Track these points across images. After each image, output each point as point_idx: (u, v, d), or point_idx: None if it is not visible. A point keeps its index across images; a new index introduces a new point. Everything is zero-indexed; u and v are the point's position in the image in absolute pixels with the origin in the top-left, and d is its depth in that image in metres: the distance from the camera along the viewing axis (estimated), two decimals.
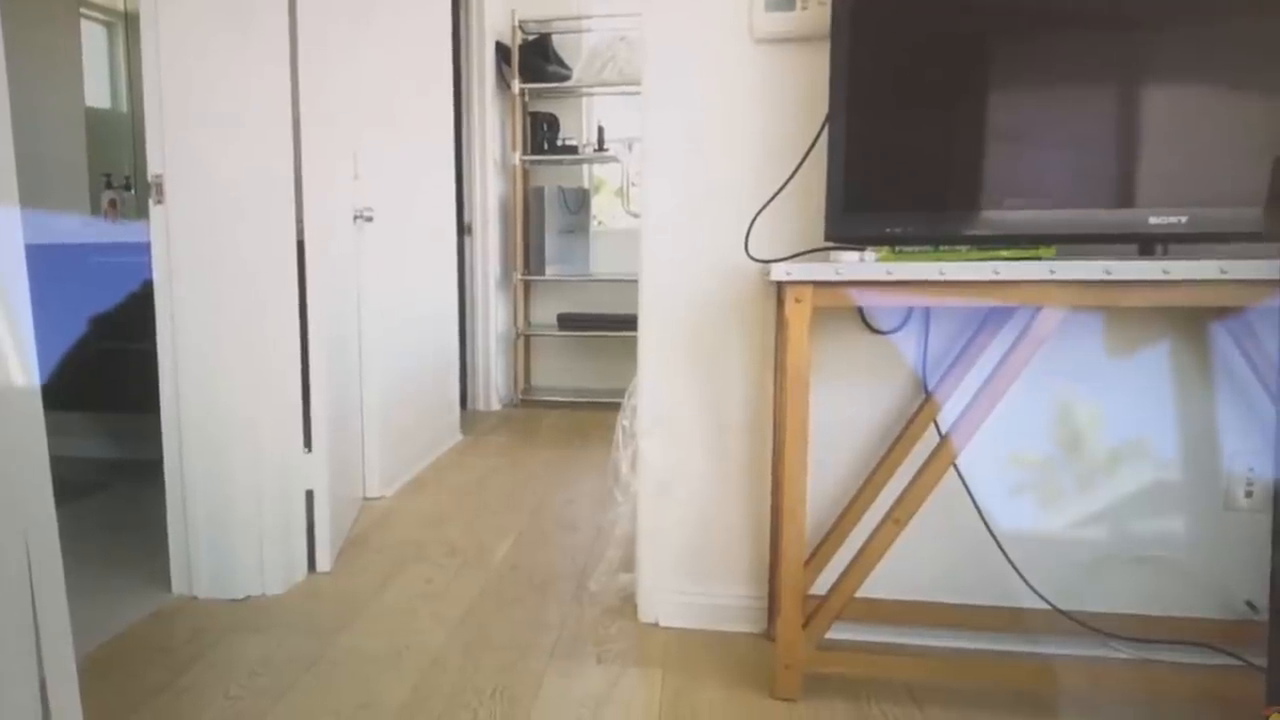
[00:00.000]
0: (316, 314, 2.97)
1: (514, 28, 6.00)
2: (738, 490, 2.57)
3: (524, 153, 6.17)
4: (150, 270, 2.70)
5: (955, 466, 2.31)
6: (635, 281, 2.61)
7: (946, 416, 2.27)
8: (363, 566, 3.09)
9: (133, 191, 4.56)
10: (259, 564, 2.80)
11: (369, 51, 3.72)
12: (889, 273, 1.99)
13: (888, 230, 2.07)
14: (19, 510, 1.63)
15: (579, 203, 6.22)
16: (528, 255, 6.23)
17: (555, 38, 6.10)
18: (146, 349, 2.74)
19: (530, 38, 6.08)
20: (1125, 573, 2.38)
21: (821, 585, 2.36)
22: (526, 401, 6.28)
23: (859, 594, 2.19)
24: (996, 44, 2.07)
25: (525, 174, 6.27)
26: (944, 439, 2.14)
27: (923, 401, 2.40)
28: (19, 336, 1.61)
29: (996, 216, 2.02)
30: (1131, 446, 2.36)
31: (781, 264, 2.07)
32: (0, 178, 1.58)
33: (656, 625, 2.63)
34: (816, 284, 2.05)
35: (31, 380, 1.63)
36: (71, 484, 3.94)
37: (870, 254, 2.08)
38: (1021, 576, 2.35)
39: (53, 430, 1.65)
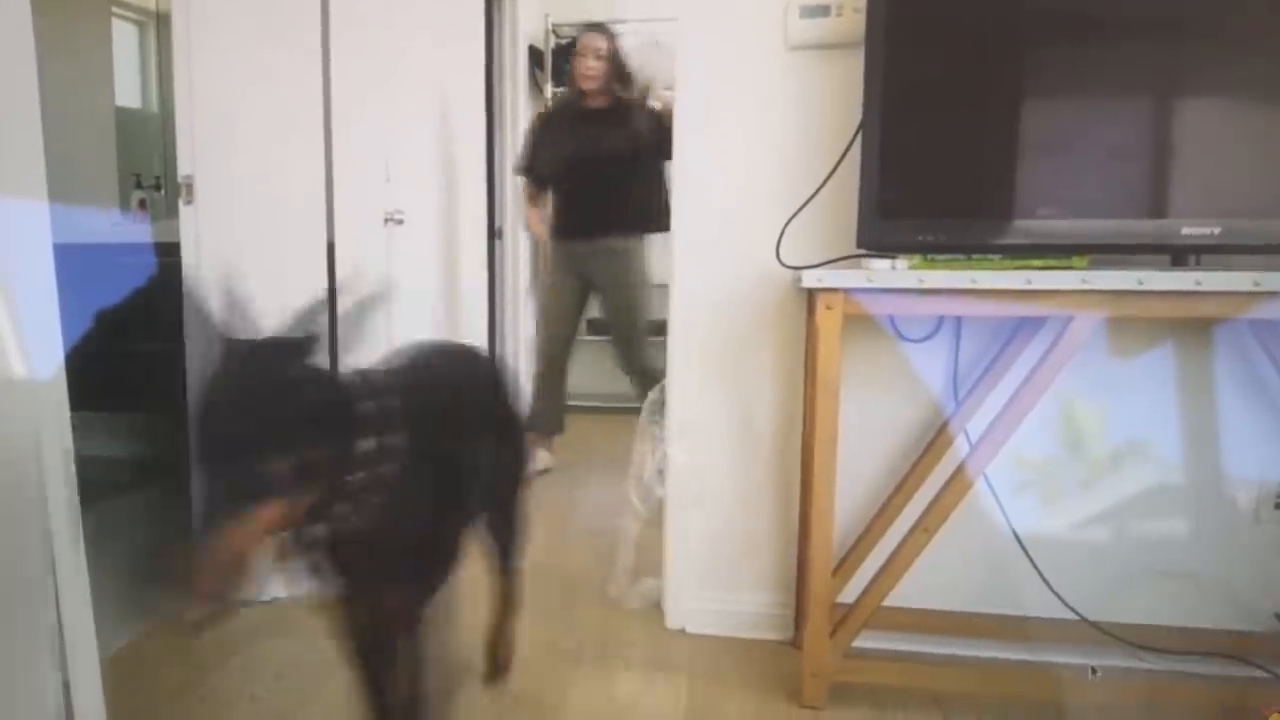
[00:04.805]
0: None
1: (547, 31, 6.00)
2: (766, 497, 2.56)
3: None
4: (180, 270, 2.71)
5: (985, 476, 2.29)
6: (666, 286, 2.61)
7: (976, 425, 2.25)
8: None
9: (162, 191, 4.57)
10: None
11: (401, 53, 3.72)
12: (920, 281, 1.97)
13: (920, 238, 2.06)
14: (44, 510, 1.63)
15: None
16: None
17: None
18: (175, 349, 2.74)
19: (563, 41, 6.06)
20: (1153, 584, 2.36)
21: (848, 593, 2.35)
22: None
23: (885, 602, 2.18)
24: (1032, 53, 2.05)
25: None
26: (974, 448, 2.12)
27: (953, 410, 2.38)
28: (45, 335, 1.62)
29: (1029, 225, 2.01)
30: (1161, 458, 2.34)
31: (813, 271, 2.06)
32: (29, 176, 1.59)
33: (683, 632, 2.62)
34: (848, 291, 2.03)
35: (57, 379, 1.63)
36: (98, 484, 3.95)
37: (902, 262, 2.07)
38: (1049, 586, 2.33)
39: (79, 430, 1.65)
